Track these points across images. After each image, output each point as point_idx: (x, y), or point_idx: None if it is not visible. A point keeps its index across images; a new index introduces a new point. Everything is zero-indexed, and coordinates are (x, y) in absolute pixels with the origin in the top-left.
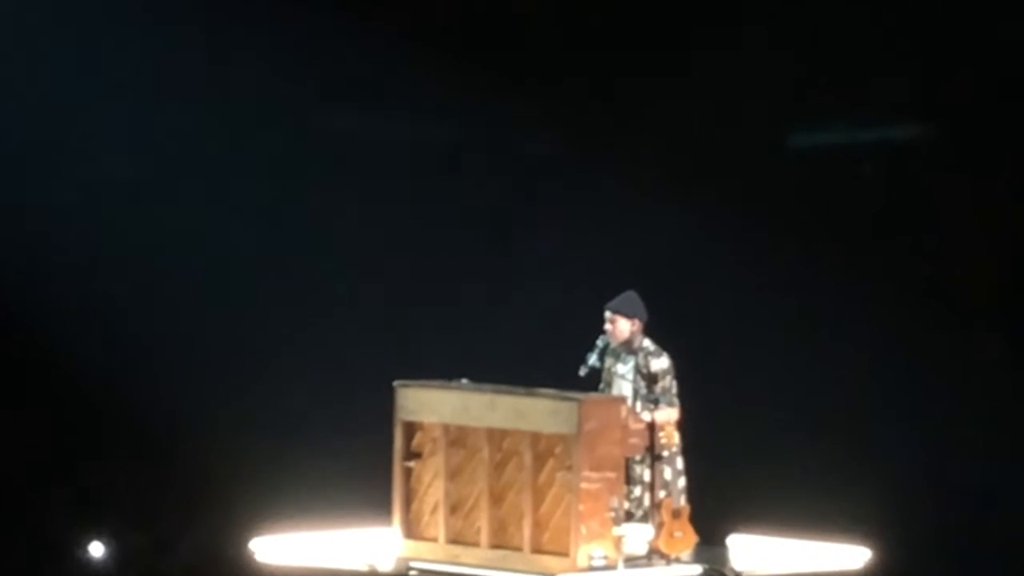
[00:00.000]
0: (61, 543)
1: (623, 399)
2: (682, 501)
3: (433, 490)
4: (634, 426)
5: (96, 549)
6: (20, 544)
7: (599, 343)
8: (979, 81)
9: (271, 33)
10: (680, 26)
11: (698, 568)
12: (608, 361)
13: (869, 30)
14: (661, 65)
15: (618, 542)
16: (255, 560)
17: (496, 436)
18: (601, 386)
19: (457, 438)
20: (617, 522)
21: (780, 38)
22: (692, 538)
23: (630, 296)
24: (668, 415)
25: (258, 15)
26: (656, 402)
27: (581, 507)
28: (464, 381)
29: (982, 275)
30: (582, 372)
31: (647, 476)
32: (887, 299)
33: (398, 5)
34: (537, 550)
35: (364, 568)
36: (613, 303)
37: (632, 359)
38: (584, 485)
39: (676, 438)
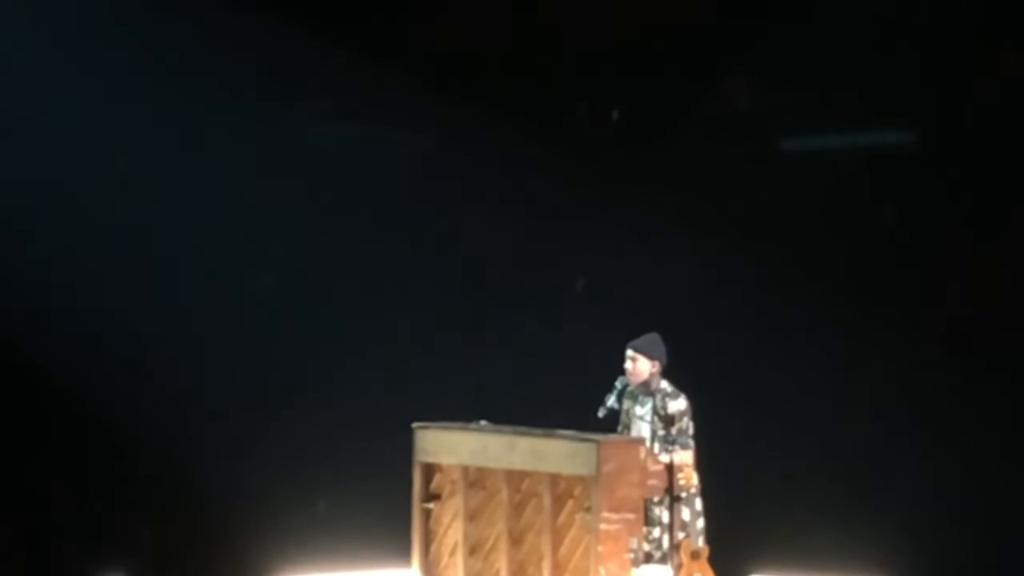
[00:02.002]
0: None
1: (642, 441)
2: (701, 542)
3: (452, 532)
4: (653, 468)
5: None
6: None
7: (617, 385)
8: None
9: (276, 62)
10: (694, 58)
11: None
12: (626, 403)
13: (885, 68)
14: (679, 98)
15: None
16: None
17: (515, 478)
18: (619, 428)
19: (476, 480)
20: (636, 564)
21: (801, 71)
22: None
23: (653, 338)
24: (687, 456)
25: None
26: (674, 443)
27: (600, 549)
28: (483, 423)
29: (1003, 312)
30: (600, 414)
31: (666, 517)
32: (906, 337)
33: (415, 41)
34: None
35: None
36: (636, 342)
37: (650, 401)
38: (603, 527)
39: (695, 479)
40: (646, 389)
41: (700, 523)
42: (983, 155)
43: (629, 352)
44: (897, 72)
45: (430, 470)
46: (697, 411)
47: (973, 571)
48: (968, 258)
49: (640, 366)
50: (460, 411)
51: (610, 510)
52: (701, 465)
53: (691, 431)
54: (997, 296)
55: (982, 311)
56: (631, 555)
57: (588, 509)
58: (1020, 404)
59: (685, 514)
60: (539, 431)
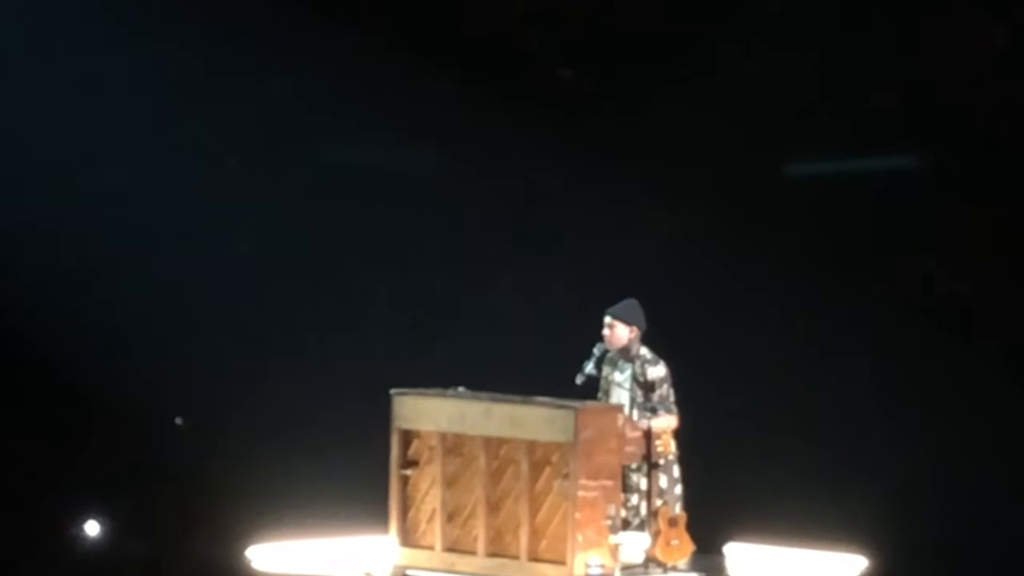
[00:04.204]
0: (57, 551)
1: (620, 407)
2: (678, 509)
3: (430, 498)
4: (631, 434)
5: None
6: (16, 552)
7: (596, 351)
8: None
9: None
10: (674, 29)
11: None
12: (606, 369)
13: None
14: (661, 70)
15: (615, 550)
16: (251, 568)
17: (493, 444)
18: (599, 394)
19: (454, 446)
20: (614, 530)
21: (781, 46)
22: (689, 546)
23: (631, 304)
24: (665, 423)
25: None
26: (653, 410)
27: (578, 515)
28: (461, 389)
29: (982, 285)
30: (578, 380)
31: (644, 484)
32: (885, 308)
33: (391, 6)
34: (534, 558)
35: None
36: (614, 309)
37: (629, 367)
38: (581, 493)
39: (672, 446)
40: (626, 355)
41: (678, 490)
42: (976, 131)
43: (607, 319)
44: (882, 50)
45: (408, 436)
46: (676, 378)
47: (949, 542)
48: (955, 232)
49: (618, 332)
50: (438, 377)
51: (588, 477)
52: (680, 432)
53: (672, 398)
54: (983, 270)
55: (966, 284)
56: (609, 522)
57: (566, 476)
58: (1002, 377)
59: (663, 481)
60: (517, 398)
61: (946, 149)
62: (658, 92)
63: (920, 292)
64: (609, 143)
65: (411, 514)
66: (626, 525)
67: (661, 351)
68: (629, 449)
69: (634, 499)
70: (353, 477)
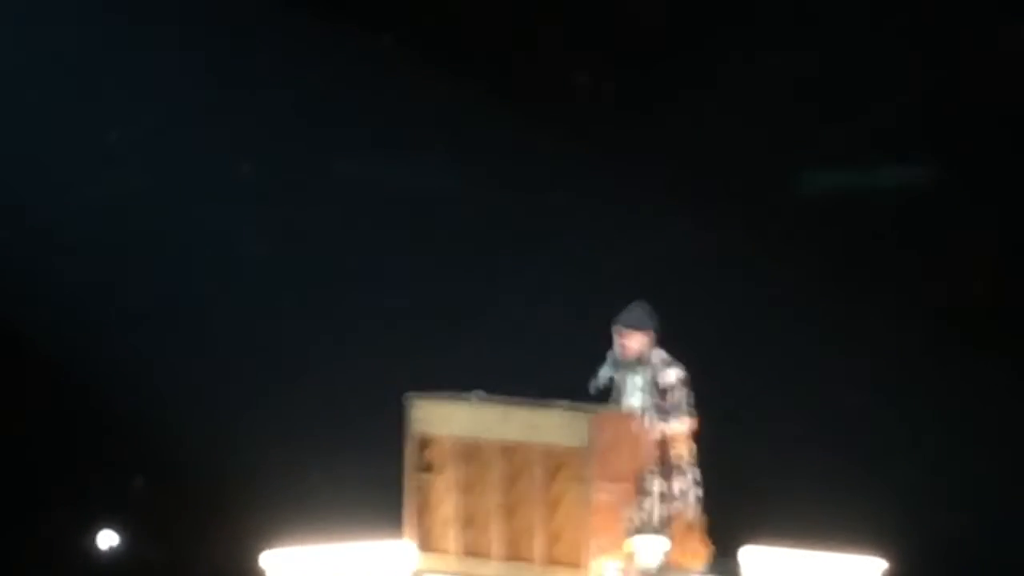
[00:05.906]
0: (70, 558)
1: (636, 411)
2: (695, 513)
3: (446, 503)
4: (647, 438)
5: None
6: (29, 560)
7: (610, 356)
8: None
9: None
10: (690, 32)
11: None
12: (621, 373)
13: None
14: (672, 70)
15: (631, 555)
16: (267, 573)
17: (509, 449)
18: (613, 396)
19: (470, 451)
20: (630, 534)
21: (794, 47)
22: (705, 550)
23: (640, 310)
24: (681, 427)
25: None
26: (669, 414)
27: (594, 520)
28: (478, 393)
29: (990, 288)
30: (592, 388)
31: (660, 488)
32: (899, 311)
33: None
34: (550, 563)
35: None
36: (622, 317)
37: (645, 371)
38: (597, 498)
39: (689, 450)
40: (642, 359)
41: (693, 494)
42: (984, 129)
43: (619, 329)
44: (898, 53)
45: (424, 441)
46: (692, 381)
47: (970, 543)
48: (968, 232)
49: (633, 342)
50: (455, 382)
51: (604, 481)
52: (696, 436)
53: (688, 401)
54: (998, 270)
55: (982, 284)
56: (625, 526)
57: (582, 480)
58: (1018, 376)
59: (679, 485)
60: (533, 402)
61: (957, 153)
62: (669, 95)
63: (938, 296)
64: (620, 146)
65: (427, 519)
66: (642, 530)
67: (676, 355)
68: (646, 453)
69: (650, 503)
70: (368, 482)
